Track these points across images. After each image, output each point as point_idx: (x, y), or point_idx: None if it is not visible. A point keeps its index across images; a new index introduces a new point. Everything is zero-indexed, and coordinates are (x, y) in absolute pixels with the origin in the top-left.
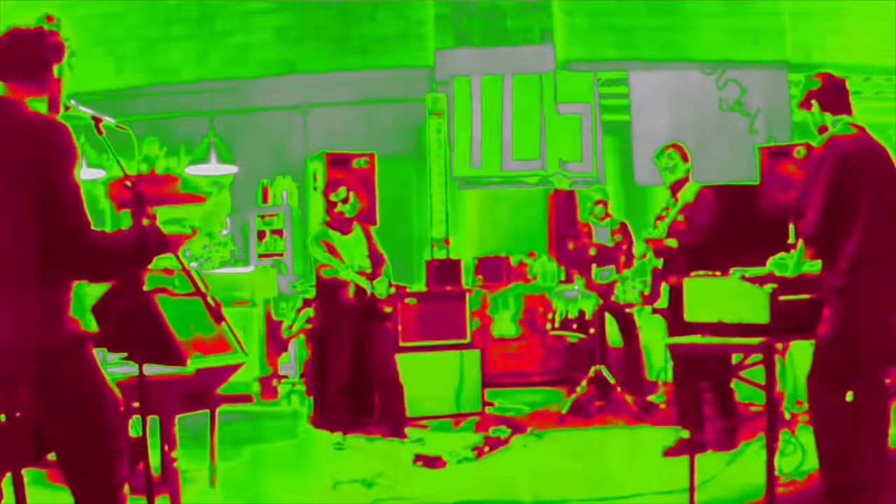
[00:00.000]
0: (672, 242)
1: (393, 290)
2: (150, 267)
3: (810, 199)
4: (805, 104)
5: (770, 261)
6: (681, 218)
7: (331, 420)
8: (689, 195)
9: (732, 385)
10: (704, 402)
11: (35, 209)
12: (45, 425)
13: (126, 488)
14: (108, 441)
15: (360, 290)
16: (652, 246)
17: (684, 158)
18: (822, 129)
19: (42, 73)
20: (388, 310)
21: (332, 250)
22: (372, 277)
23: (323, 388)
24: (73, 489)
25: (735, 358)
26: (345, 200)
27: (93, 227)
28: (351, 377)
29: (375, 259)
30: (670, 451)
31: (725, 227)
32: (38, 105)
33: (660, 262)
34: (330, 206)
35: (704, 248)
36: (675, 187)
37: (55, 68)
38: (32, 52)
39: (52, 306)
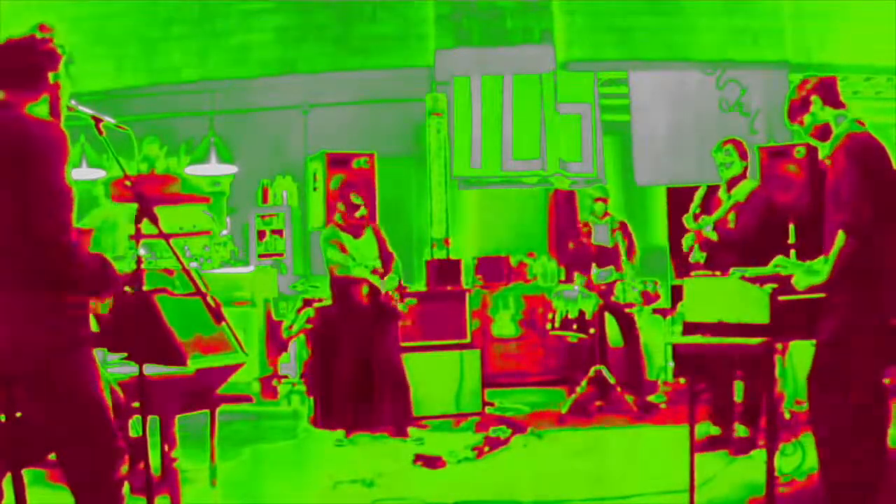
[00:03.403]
0: (712, 234)
1: (396, 292)
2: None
3: (849, 192)
4: (801, 106)
5: (780, 262)
6: (731, 216)
7: (335, 418)
8: (741, 194)
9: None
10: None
11: (24, 209)
12: (44, 425)
13: (126, 488)
14: (107, 441)
15: (373, 290)
16: (696, 237)
17: (742, 156)
18: (824, 129)
19: (36, 81)
20: (403, 307)
21: (343, 251)
22: (383, 276)
23: (327, 387)
24: (72, 489)
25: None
26: (363, 205)
27: (70, 233)
28: (358, 376)
29: (385, 258)
30: (702, 447)
31: (773, 228)
32: (39, 110)
33: (703, 258)
34: (348, 209)
35: (749, 247)
36: (731, 184)
37: (50, 75)
38: (25, 61)
39: (49, 306)
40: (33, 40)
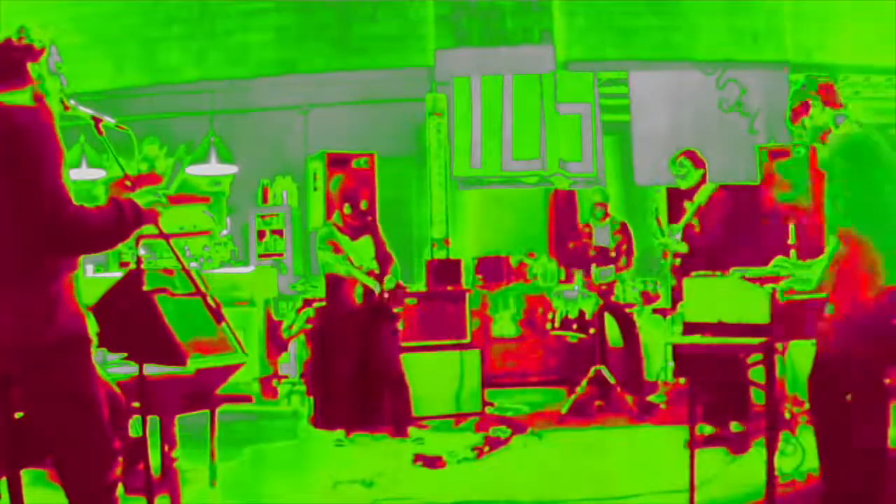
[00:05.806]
0: (683, 248)
1: (395, 286)
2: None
3: (841, 195)
4: (801, 111)
5: (780, 263)
6: (695, 221)
7: (334, 418)
8: (701, 198)
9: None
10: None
11: (18, 200)
12: (38, 424)
13: (119, 489)
14: (101, 442)
15: (367, 291)
16: (666, 250)
17: (696, 164)
18: (825, 131)
19: (14, 76)
20: (397, 309)
21: (338, 251)
22: (379, 277)
23: (327, 387)
24: (65, 490)
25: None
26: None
27: (71, 203)
28: (357, 377)
29: (383, 259)
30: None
31: (738, 226)
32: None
33: (678, 260)
34: (354, 214)
35: (718, 249)
36: (692, 191)
37: (30, 66)
38: (1, 57)
39: (45, 304)
40: (9, 39)
